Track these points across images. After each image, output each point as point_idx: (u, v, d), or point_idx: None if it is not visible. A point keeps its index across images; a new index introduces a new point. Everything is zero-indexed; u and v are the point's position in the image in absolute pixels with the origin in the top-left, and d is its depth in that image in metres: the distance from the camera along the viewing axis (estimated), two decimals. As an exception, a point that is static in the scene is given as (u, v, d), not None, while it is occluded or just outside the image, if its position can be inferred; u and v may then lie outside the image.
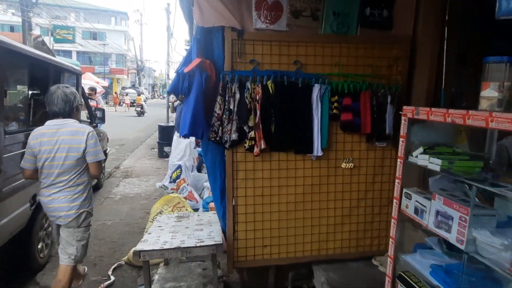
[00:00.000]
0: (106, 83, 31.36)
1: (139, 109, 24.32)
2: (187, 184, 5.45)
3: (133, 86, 38.53)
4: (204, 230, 2.97)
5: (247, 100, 2.70)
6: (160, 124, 10.05)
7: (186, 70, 2.57)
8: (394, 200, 2.12)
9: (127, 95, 31.66)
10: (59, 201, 2.58)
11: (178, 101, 9.73)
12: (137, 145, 11.82)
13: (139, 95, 28.57)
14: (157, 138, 10.47)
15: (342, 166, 2.99)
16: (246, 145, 2.75)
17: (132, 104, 29.67)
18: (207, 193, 5.17)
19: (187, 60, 2.71)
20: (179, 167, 5.48)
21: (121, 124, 17.61)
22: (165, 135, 9.82)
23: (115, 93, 33.81)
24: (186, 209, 4.31)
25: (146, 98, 36.33)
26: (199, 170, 6.65)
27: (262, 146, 2.70)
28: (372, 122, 2.89)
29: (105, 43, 38.64)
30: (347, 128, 2.91)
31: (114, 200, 6.23)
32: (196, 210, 4.89)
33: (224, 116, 2.70)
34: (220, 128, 2.71)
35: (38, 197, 2.78)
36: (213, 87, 2.70)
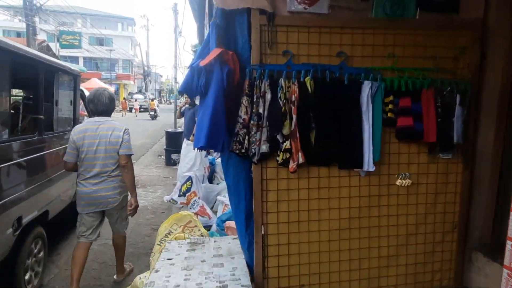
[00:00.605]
0: (112, 88, 31.05)
1: (152, 113, 25.63)
2: (198, 198, 4.85)
3: (139, 92, 38.17)
4: (225, 265, 2.36)
5: (280, 102, 2.10)
6: (168, 130, 9.49)
7: (202, 63, 1.98)
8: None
9: (136, 100, 32.11)
10: (106, 189, 2.96)
11: (186, 105, 9.23)
12: (143, 152, 11.27)
13: (152, 100, 29.90)
14: (164, 144, 9.90)
15: (397, 183, 2.37)
16: (279, 158, 2.15)
17: (141, 109, 30.34)
18: (220, 208, 4.56)
19: (203, 52, 2.12)
20: (190, 178, 4.91)
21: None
22: (173, 142, 9.26)
23: (124, 98, 33.47)
24: (199, 230, 3.71)
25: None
26: (210, 180, 6.06)
27: (300, 160, 2.09)
28: (438, 128, 2.27)
29: (112, 49, 38.41)
30: (405, 135, 2.29)
31: (118, 214, 5.65)
32: (208, 227, 4.30)
33: (251, 122, 2.09)
34: (247, 137, 2.11)
35: (77, 188, 3.02)
36: (237, 85, 2.11)
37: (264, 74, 2.12)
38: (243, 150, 2.12)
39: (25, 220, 2.98)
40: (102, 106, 3.00)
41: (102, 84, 28.68)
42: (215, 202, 5.33)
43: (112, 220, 3.20)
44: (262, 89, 2.10)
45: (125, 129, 2.99)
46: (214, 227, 4.41)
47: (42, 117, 3.34)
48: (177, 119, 10.23)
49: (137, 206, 3.12)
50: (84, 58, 42.16)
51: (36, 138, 3.24)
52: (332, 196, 2.29)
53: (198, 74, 2.01)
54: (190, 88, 2.07)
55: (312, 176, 2.25)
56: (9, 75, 2.79)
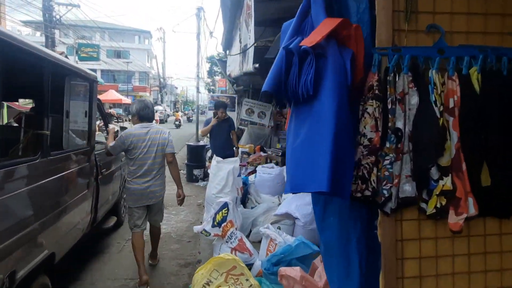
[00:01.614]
0: (129, 100, 30.74)
1: (177, 123, 30.41)
2: (236, 228, 3.96)
3: (155, 103, 37.93)
4: None
5: (436, 109, 1.21)
6: (189, 143, 8.69)
7: (310, 43, 1.11)
8: None
9: (156, 112, 32.79)
10: (155, 185, 3.41)
11: (207, 117, 8.49)
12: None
13: (177, 111, 37.65)
14: (186, 159, 9.10)
15: None
16: (429, 206, 1.24)
17: (161, 120, 31.65)
18: (265, 244, 3.65)
19: (301, 28, 1.26)
20: (225, 205, 4.03)
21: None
22: (195, 156, 8.44)
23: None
24: (247, 279, 2.81)
25: (168, 114, 35.90)
26: (243, 203, 5.18)
27: (472, 211, 1.18)
28: None
29: (129, 61, 38.38)
30: None
31: (138, 243, 4.80)
32: (249, 266, 3.39)
33: (386, 145, 1.21)
34: (374, 170, 1.23)
35: (128, 186, 3.39)
36: (360, 82, 1.24)
37: (402, 62, 1.24)
38: (367, 192, 1.23)
39: (20, 274, 2.15)
40: (151, 113, 3.57)
41: (119, 96, 28.45)
42: (250, 232, 4.45)
43: (153, 212, 3.61)
44: (401, 88, 1.22)
45: (168, 132, 3.53)
46: (256, 267, 3.51)
47: (47, 132, 2.53)
48: (201, 134, 9.50)
49: (184, 197, 3.82)
50: (102, 71, 42.20)
51: (38, 160, 2.41)
52: (508, 267, 1.36)
53: (300, 61, 1.14)
54: (280, 88, 1.20)
55: (475, 233, 1.34)
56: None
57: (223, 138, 5.96)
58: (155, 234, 3.85)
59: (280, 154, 6.79)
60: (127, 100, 29.45)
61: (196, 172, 8.43)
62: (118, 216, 5.03)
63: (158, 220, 3.78)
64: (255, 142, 9.00)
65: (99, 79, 23.52)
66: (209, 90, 35.25)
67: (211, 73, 39.66)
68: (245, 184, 5.25)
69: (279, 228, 3.98)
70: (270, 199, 5.06)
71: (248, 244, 3.87)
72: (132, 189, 3.38)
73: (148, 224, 3.68)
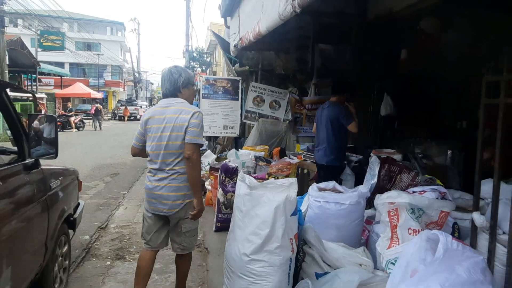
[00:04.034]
0: (99, 95, 27.26)
1: None
2: None
3: (129, 99, 34.38)
4: None
5: None
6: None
7: None
8: None
9: (141, 107, 32.18)
10: (168, 188, 2.34)
11: (205, 104, 5.82)
12: (137, 175, 7.69)
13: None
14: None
15: None
16: None
17: (135, 117, 29.67)
18: None
19: None
20: None
21: (120, 139, 13.54)
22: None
23: (125, 106, 30.15)
24: None
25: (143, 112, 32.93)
26: (296, 264, 2.64)
27: None
28: None
29: (100, 53, 34.62)
30: None
31: None
32: None
33: None
34: None
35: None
36: None
37: None
38: None
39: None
40: (172, 85, 2.42)
41: (87, 90, 25.00)
42: None
43: (171, 229, 2.49)
44: None
45: (194, 112, 2.34)
46: None
47: None
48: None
49: (201, 209, 2.41)
50: (71, 64, 38.17)
51: None
52: None
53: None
54: None
55: None
56: None
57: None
58: (178, 265, 2.59)
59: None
60: (97, 94, 25.97)
61: (186, 185, 5.73)
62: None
63: (179, 244, 2.48)
64: (266, 143, 6.41)
65: (64, 71, 20.18)
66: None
67: (189, 69, 36.70)
68: (300, 224, 2.65)
69: None
70: (349, 255, 2.51)
71: None
72: (144, 187, 2.50)
73: None
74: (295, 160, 4.74)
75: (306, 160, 4.56)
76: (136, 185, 6.73)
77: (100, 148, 11.72)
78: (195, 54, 42.95)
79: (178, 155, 2.32)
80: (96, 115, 20.13)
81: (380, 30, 5.25)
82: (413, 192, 2.56)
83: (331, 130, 3.87)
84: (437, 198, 2.43)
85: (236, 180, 2.59)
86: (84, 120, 20.31)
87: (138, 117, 31.26)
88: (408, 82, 5.59)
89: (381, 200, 2.42)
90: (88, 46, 38.15)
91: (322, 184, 3.15)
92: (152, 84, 59.85)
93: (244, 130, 6.92)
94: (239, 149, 5.98)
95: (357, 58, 6.12)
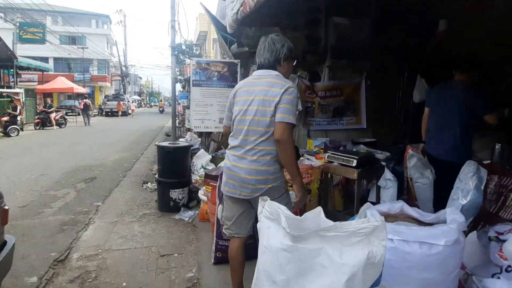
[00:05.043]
0: (83, 89, 25.60)
1: (161, 109, 35.67)
2: None
3: (117, 94, 32.64)
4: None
5: None
6: (161, 144, 4.76)
7: None
8: None
9: (133, 102, 32.59)
10: (247, 170, 2.05)
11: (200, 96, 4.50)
12: (117, 180, 6.43)
13: (161, 101, 43.90)
14: (155, 170, 5.22)
15: None
16: None
17: (123, 112, 28.52)
18: None
19: None
20: None
21: (104, 136, 12.17)
22: (172, 166, 4.59)
23: (119, 100, 28.59)
24: None
25: (128, 106, 31.40)
26: None
27: None
28: None
29: (84, 47, 32.77)
30: None
31: None
32: None
33: None
34: None
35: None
36: None
37: None
38: None
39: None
40: (266, 55, 2.12)
41: (70, 84, 23.30)
42: None
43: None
44: None
45: (289, 87, 2.00)
46: None
47: None
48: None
49: (304, 195, 2.07)
50: (55, 59, 36.22)
51: None
52: None
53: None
54: None
55: None
56: None
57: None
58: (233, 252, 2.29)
59: (356, 163, 3.05)
60: (81, 89, 24.29)
61: (174, 194, 4.59)
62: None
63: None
64: (271, 139, 5.23)
65: (46, 65, 18.66)
66: (176, 80, 30.76)
67: (178, 62, 35.06)
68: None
69: None
70: None
71: None
72: (223, 165, 2.31)
73: None
74: (315, 161, 3.58)
75: (333, 162, 3.39)
76: (114, 192, 5.49)
77: (80, 146, 10.38)
78: (184, 47, 41.45)
79: (263, 133, 2.03)
80: (85, 110, 19.34)
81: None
82: None
83: (465, 117, 2.98)
84: None
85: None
86: (67, 117, 18.85)
87: (130, 111, 29.77)
88: (449, 61, 4.43)
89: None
90: (73, 40, 36.28)
91: (384, 206, 2.00)
92: (140, 78, 57.69)
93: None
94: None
95: (379, 34, 4.98)
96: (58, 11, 36.71)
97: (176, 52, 5.83)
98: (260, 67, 2.16)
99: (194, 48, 31.48)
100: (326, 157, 3.53)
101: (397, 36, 4.95)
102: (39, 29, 24.44)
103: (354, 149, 4.29)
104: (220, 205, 3.07)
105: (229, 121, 2.23)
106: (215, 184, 3.32)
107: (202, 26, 27.65)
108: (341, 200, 3.88)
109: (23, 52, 26.28)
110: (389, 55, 5.11)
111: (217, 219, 3.07)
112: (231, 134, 2.19)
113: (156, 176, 4.68)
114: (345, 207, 3.87)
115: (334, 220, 1.24)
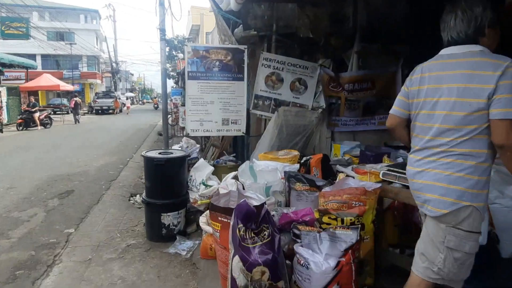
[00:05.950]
0: (70, 87, 24.17)
1: (156, 105, 34.63)
2: None
3: (107, 92, 31.21)
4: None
5: None
6: (149, 154, 3.66)
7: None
8: None
9: (127, 99, 33.01)
10: (430, 176, 1.56)
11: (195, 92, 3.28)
12: (99, 194, 5.30)
13: (155, 98, 42.82)
14: (143, 187, 4.13)
15: None
16: None
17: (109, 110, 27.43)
18: None
19: None
20: None
21: (92, 137, 10.99)
22: (164, 184, 3.50)
23: (116, 98, 27.63)
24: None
25: (123, 103, 30.23)
26: None
27: None
28: None
29: (73, 43, 31.26)
30: None
31: None
32: None
33: None
34: None
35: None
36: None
37: None
38: None
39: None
40: (459, 28, 1.57)
41: (56, 81, 21.86)
42: None
43: (425, 236, 1.66)
44: None
45: (508, 66, 1.40)
46: None
47: None
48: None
49: None
50: (43, 55, 34.57)
51: None
52: None
53: None
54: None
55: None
56: None
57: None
58: None
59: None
60: (68, 86, 22.83)
61: (167, 219, 3.51)
62: None
63: (425, 264, 1.59)
64: (286, 144, 4.17)
65: (32, 63, 17.30)
66: (168, 77, 29.50)
67: (170, 57, 33.58)
68: None
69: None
70: None
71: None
72: (407, 172, 1.75)
73: None
74: (368, 183, 2.50)
75: (392, 183, 2.34)
76: (93, 212, 4.38)
77: (61, 150, 9.20)
78: (176, 42, 39.78)
79: (466, 132, 1.49)
80: (76, 109, 18.43)
81: None
82: None
83: None
84: None
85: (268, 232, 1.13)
86: (54, 116, 17.59)
87: (122, 109, 28.93)
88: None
89: None
90: (61, 36, 34.70)
91: None
92: (132, 75, 55.94)
93: (249, 124, 4.62)
94: (252, 159, 3.71)
95: (421, 11, 3.93)
96: (45, 6, 35.06)
97: (165, 37, 4.68)
98: (453, 43, 1.62)
99: (186, 43, 30.35)
100: (381, 175, 2.47)
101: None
102: (22, 23, 22.96)
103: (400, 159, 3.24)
104: (237, 256, 2.00)
105: (401, 109, 1.78)
106: (226, 221, 2.23)
107: (195, 19, 26.37)
108: (395, 230, 2.83)
109: (10, 49, 24.80)
110: (433, 38, 4.08)
111: (232, 277, 2.00)
112: (414, 134, 1.70)
113: (144, 195, 3.59)
114: (401, 237, 2.83)
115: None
